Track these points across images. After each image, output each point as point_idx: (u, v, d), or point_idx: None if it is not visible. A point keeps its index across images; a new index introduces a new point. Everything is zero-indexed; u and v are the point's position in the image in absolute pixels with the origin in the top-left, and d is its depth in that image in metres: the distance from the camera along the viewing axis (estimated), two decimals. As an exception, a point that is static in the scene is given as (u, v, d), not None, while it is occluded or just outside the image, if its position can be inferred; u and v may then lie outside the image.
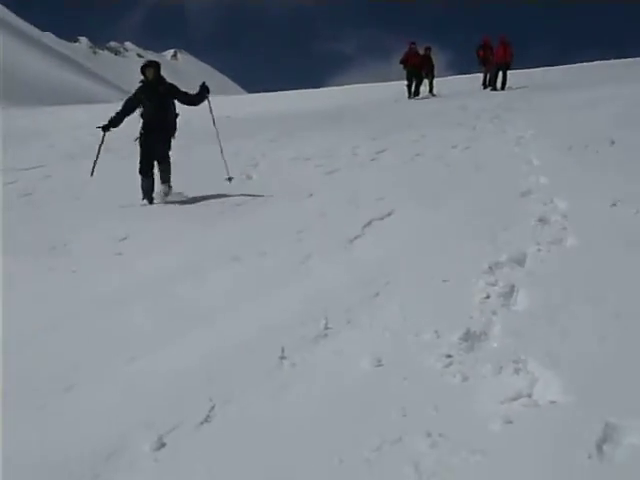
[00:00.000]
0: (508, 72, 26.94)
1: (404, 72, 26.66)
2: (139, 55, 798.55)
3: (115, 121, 10.91)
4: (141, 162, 11.00)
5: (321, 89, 39.09)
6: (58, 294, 6.68)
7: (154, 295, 6.36)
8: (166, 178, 11.17)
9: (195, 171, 12.85)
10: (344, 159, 13.32)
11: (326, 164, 12.86)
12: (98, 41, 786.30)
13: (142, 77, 11.04)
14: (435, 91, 27.33)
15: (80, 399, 4.47)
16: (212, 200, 10.65)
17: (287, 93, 37.51)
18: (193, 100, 11.18)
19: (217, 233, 8.50)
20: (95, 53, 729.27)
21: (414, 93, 26.73)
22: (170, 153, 11.19)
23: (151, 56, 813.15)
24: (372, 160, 12.95)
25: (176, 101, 11.08)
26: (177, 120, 11.11)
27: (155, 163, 11.09)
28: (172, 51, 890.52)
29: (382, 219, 8.34)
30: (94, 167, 11.27)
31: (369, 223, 8.16)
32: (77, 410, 4.32)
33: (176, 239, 8.40)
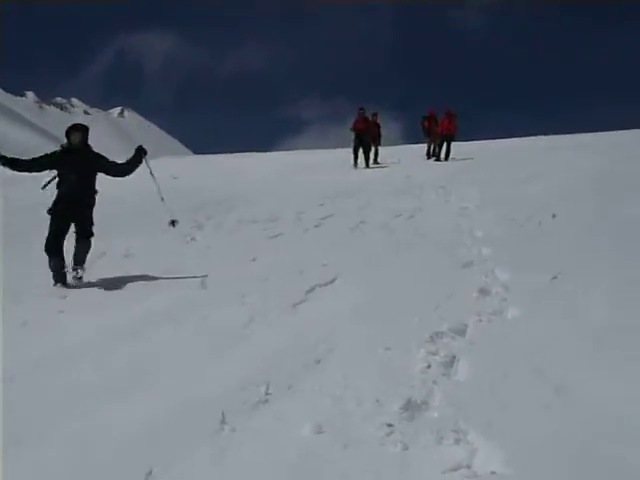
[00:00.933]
0: (452, 143, 27.38)
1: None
2: (85, 112, 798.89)
3: (18, 164, 9.39)
4: (49, 239, 9.31)
5: (268, 153, 39.26)
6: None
7: (95, 356, 6.28)
8: (82, 259, 9.57)
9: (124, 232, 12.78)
10: (289, 224, 13.36)
11: (270, 228, 12.90)
12: (45, 96, 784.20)
13: (65, 141, 9.63)
14: (379, 159, 27.55)
15: (24, 455, 4.40)
16: (154, 262, 10.55)
17: (231, 155, 37.66)
18: (125, 169, 9.80)
19: (160, 295, 8.42)
20: (41, 108, 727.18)
21: (361, 162, 26.42)
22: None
23: (97, 113, 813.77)
24: (316, 226, 13.02)
25: (102, 174, 9.69)
26: (95, 197, 9.61)
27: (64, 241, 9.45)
28: (119, 109, 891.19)
29: (325, 285, 8.37)
30: None
31: (312, 289, 8.18)
32: (21, 467, 4.25)
33: (115, 303, 8.30)
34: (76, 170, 9.34)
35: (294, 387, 5.27)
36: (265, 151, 41.34)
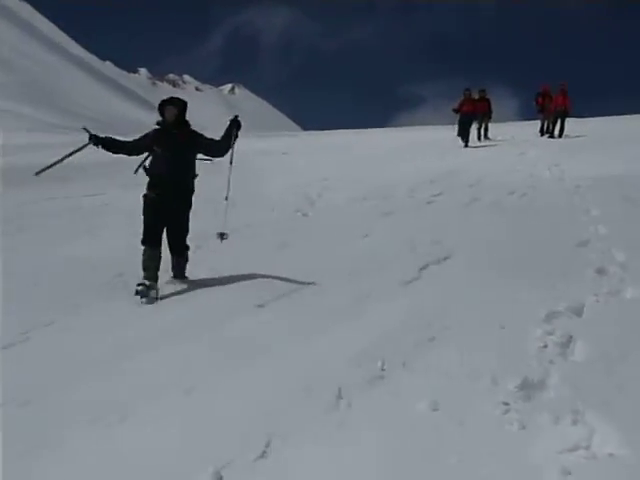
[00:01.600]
0: (566, 120, 26.88)
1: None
2: (197, 88, 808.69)
3: (112, 144, 8.27)
4: (146, 231, 8.12)
5: (378, 129, 39.13)
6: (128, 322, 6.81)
7: (213, 329, 6.43)
8: (181, 272, 8.51)
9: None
10: (400, 201, 13.33)
11: (382, 205, 12.89)
12: (157, 73, 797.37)
13: (160, 118, 8.39)
14: (490, 135, 27.25)
15: (137, 430, 4.53)
16: (268, 235, 10.70)
17: (341, 131, 37.63)
18: (221, 147, 8.36)
19: (273, 270, 8.52)
20: (154, 84, 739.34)
21: (467, 141, 25.61)
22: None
23: (209, 90, 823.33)
24: (428, 203, 12.95)
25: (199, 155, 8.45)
26: (194, 181, 8.34)
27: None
28: (230, 85, 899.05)
29: (438, 263, 8.34)
30: (47, 168, 8.09)
31: (425, 266, 8.17)
32: (134, 441, 4.39)
33: (232, 275, 8.44)
34: (172, 149, 8.12)
35: (409, 364, 5.29)
36: (378, 127, 41.27)
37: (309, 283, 7.80)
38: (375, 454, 4.02)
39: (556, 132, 26.82)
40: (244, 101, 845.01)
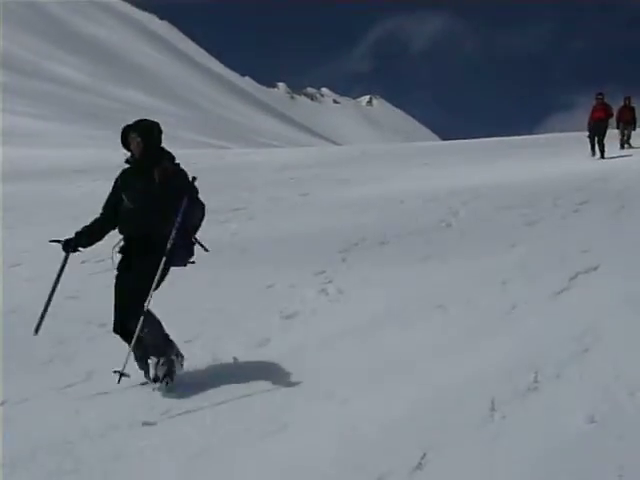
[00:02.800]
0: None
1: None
2: (335, 101, 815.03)
3: (89, 235, 6.23)
4: (115, 310, 6.07)
5: (515, 137, 38.57)
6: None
7: (361, 340, 6.52)
8: (154, 350, 5.93)
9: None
10: (546, 210, 13.12)
11: (528, 214, 12.72)
12: (295, 86, 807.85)
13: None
14: (633, 143, 26.49)
15: (291, 440, 4.64)
16: (413, 247, 10.72)
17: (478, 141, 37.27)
18: (195, 209, 5.96)
19: (419, 279, 8.56)
20: (292, 98, 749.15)
21: (595, 151, 23.60)
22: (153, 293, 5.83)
23: (346, 102, 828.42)
24: (575, 212, 12.71)
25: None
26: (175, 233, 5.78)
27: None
28: (368, 97, 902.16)
29: (588, 272, 8.17)
30: (40, 321, 6.06)
31: (575, 276, 8.02)
32: (290, 449, 4.50)
33: (379, 285, 8.53)
34: (137, 195, 6.00)
35: (562, 375, 5.24)
36: (528, 133, 40.68)
37: (457, 292, 7.80)
38: (529, 468, 4.01)
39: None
40: (382, 112, 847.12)
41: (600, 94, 24.88)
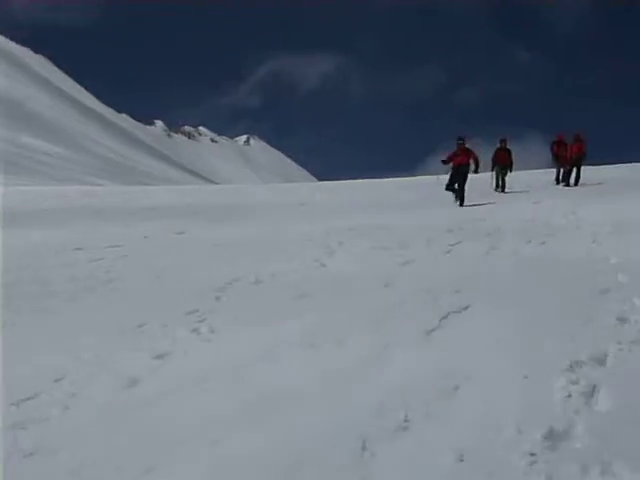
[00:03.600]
0: (582, 168, 27.05)
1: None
2: (212, 140, 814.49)
3: None
4: None
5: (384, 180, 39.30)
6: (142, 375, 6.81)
7: (233, 380, 6.45)
8: None
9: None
10: (419, 250, 13.36)
11: (402, 254, 12.91)
12: (173, 124, 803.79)
13: None
14: (507, 186, 27.36)
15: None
16: (286, 286, 10.72)
17: (359, 182, 37.87)
18: None
19: (294, 320, 8.54)
20: (169, 136, 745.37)
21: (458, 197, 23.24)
22: None
23: (224, 141, 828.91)
24: (447, 252, 12.97)
25: None
26: None
27: None
28: (245, 137, 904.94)
29: (459, 312, 8.31)
30: None
31: (446, 316, 8.14)
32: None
33: (252, 324, 8.49)
34: None
35: (433, 414, 5.27)
36: (409, 175, 41.56)
37: (329, 331, 7.80)
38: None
39: (572, 180, 26.96)
40: (259, 152, 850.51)
41: (461, 139, 23.81)
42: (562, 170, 27.79)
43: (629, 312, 7.56)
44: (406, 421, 5.18)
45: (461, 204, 22.77)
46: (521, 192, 25.99)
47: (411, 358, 6.71)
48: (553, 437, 4.66)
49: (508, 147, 28.27)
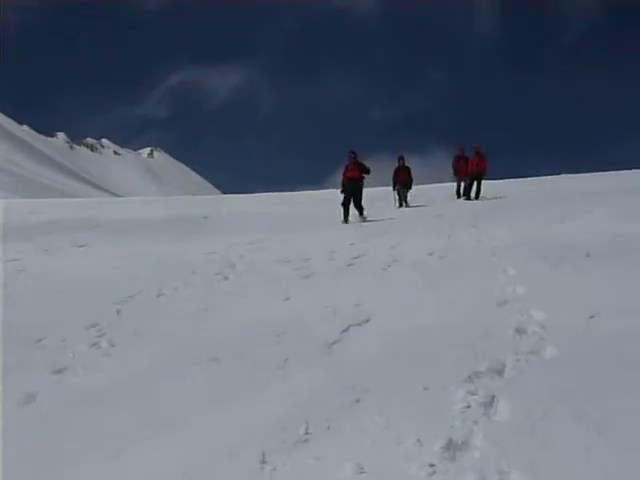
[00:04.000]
0: (482, 182, 27.47)
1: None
2: (115, 152, 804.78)
3: None
4: None
5: (291, 193, 39.41)
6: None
7: (133, 394, 6.34)
8: None
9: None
10: (321, 263, 13.38)
11: (303, 267, 12.92)
12: (75, 136, 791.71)
13: None
14: (409, 200, 27.57)
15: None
16: (186, 298, 10.61)
17: (260, 195, 37.87)
18: None
19: (195, 334, 8.45)
20: (72, 148, 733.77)
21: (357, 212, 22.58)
22: None
23: (127, 154, 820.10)
24: (349, 265, 13.02)
25: None
26: None
27: None
28: (149, 149, 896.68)
29: (360, 325, 8.33)
30: None
31: (347, 329, 8.15)
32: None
33: (153, 338, 8.37)
34: None
35: (333, 427, 5.25)
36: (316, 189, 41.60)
37: (230, 345, 7.74)
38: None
39: (472, 194, 27.35)
40: (163, 165, 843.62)
41: (352, 152, 23.04)
42: (463, 184, 28.19)
43: (526, 323, 7.68)
44: (307, 434, 5.16)
45: (361, 214, 22.36)
46: (424, 206, 26.30)
47: (312, 371, 6.70)
48: (452, 447, 4.69)
49: (407, 165, 28.14)
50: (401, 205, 27.12)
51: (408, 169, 27.90)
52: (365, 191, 22.82)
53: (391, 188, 27.93)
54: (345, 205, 22.36)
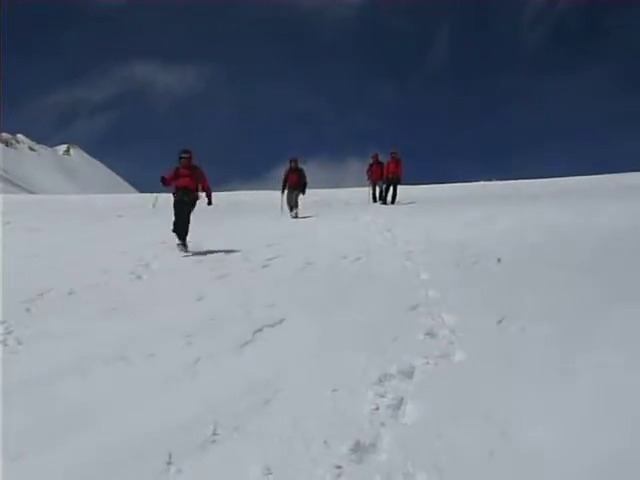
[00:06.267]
0: (398, 187, 27.64)
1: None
2: (30, 148, 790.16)
3: None
4: None
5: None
6: None
7: (40, 393, 6.20)
8: None
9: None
10: (235, 264, 13.33)
11: (218, 268, 12.85)
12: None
13: None
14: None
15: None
16: (99, 300, 10.45)
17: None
18: None
19: (106, 334, 8.32)
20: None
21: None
22: None
23: (43, 150, 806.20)
24: (264, 267, 12.99)
25: None
26: None
27: None
28: (65, 146, 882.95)
29: (273, 326, 8.30)
30: None
31: (260, 329, 8.12)
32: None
33: (62, 337, 8.23)
34: None
35: (241, 428, 5.23)
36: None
37: (141, 345, 7.64)
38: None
39: (389, 198, 27.52)
40: (79, 162, 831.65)
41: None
42: (378, 188, 28.32)
43: (437, 327, 7.77)
44: (214, 435, 5.13)
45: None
46: (339, 209, 26.36)
47: (222, 372, 6.66)
48: (360, 450, 4.71)
49: (300, 167, 25.83)
50: (292, 210, 24.97)
51: (300, 171, 25.73)
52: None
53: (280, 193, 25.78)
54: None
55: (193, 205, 15.93)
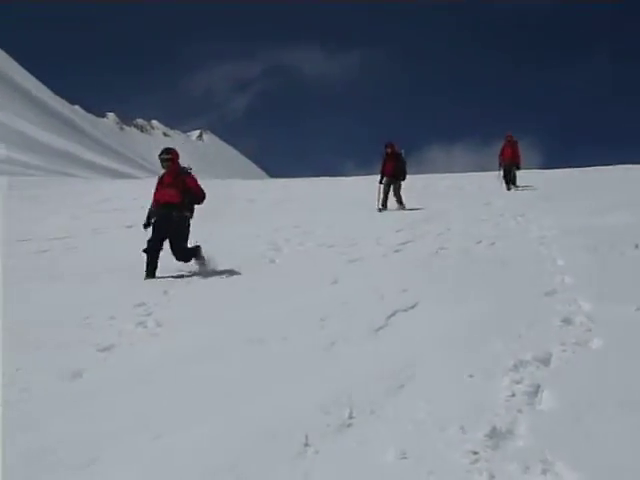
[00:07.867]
0: (518, 171, 27.26)
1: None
2: (165, 134, 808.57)
3: None
4: None
5: (342, 178, 39.27)
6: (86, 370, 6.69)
7: (179, 374, 6.38)
8: None
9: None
10: (368, 248, 13.37)
11: (349, 252, 12.92)
12: (126, 117, 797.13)
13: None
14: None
15: (102, 474, 4.47)
16: (233, 283, 10.66)
17: (307, 179, 37.84)
18: None
19: (240, 317, 8.49)
20: (122, 129, 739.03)
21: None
22: None
23: (177, 136, 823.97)
24: (396, 251, 12.99)
25: None
26: None
27: None
28: (198, 131, 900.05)
29: (406, 311, 8.31)
30: None
31: (393, 314, 8.15)
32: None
33: (200, 319, 8.44)
34: None
35: (377, 412, 5.25)
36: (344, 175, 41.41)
37: (276, 328, 7.77)
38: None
39: (519, 182, 27.13)
40: (212, 147, 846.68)
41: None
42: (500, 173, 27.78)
43: (574, 314, 7.62)
44: (350, 418, 5.16)
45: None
46: (472, 193, 26.07)
47: (357, 356, 6.71)
48: (496, 436, 4.66)
49: (398, 152, 22.74)
50: (383, 206, 21.93)
51: (397, 157, 22.56)
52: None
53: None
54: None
55: (185, 221, 12.22)
